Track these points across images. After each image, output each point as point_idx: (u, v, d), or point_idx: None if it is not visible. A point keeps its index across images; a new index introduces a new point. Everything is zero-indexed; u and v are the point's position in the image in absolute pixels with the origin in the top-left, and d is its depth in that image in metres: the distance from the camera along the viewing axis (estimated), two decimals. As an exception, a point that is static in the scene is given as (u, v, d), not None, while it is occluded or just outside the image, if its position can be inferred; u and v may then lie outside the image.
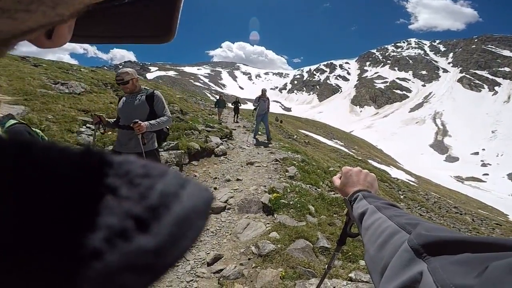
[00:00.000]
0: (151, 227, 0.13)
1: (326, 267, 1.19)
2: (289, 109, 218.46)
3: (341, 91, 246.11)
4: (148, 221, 0.13)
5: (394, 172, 31.27)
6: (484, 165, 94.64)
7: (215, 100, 17.24)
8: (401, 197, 16.38)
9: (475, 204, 30.65)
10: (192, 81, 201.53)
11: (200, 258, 3.29)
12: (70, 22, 0.20)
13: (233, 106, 16.38)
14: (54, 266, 0.12)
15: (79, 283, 0.11)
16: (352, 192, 0.75)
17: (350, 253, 3.59)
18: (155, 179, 0.15)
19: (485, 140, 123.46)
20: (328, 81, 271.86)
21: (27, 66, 9.87)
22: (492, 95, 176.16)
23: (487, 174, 79.58)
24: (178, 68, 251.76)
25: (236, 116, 16.19)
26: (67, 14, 0.17)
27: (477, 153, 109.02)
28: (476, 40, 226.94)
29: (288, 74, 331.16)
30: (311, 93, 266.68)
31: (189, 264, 3.17)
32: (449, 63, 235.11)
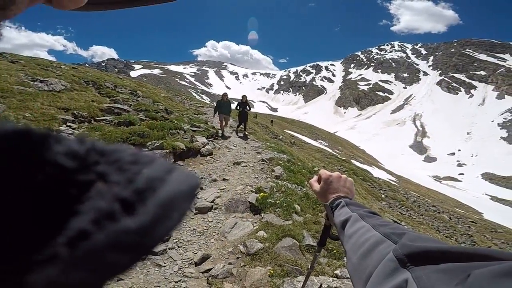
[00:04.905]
0: (137, 209, 0.14)
1: (309, 267, 1.22)
2: (275, 110, 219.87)
3: (326, 93, 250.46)
4: (134, 204, 0.14)
5: (375, 172, 32.17)
6: (460, 165, 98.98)
7: (216, 103, 10.49)
8: (383, 196, 16.87)
9: (451, 203, 31.99)
10: (178, 80, 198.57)
11: (188, 258, 3.27)
12: None
13: (238, 110, 10.50)
14: (42, 246, 0.12)
15: (67, 262, 0.12)
16: (333, 198, 0.75)
17: (335, 251, 3.67)
18: (142, 166, 0.16)
19: (461, 141, 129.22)
20: (314, 82, 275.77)
21: (3, 62, 9.40)
22: (468, 98, 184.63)
23: (463, 174, 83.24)
24: (163, 66, 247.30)
25: (242, 127, 10.51)
26: None
27: (453, 154, 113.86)
28: (455, 44, 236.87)
29: (275, 74, 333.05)
30: (297, 94, 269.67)
31: (177, 264, 3.14)
32: (429, 66, 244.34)
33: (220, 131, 9.96)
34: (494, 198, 51.90)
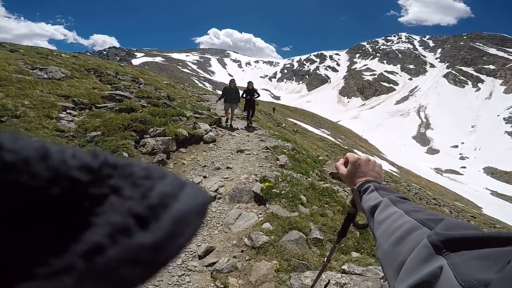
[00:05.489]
0: (150, 225, 0.14)
1: (325, 260, 1.13)
2: (278, 98, 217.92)
3: (330, 82, 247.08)
4: (148, 219, 0.15)
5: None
6: (462, 158, 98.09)
7: (222, 90, 9.50)
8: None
9: (452, 196, 31.90)
10: (180, 67, 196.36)
11: (191, 251, 3.16)
12: None
13: (245, 98, 9.67)
14: (58, 261, 0.13)
15: (83, 273, 0.13)
16: (361, 182, 0.72)
17: (342, 245, 3.54)
18: (155, 181, 0.16)
19: (465, 134, 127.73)
20: (317, 71, 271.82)
21: (2, 52, 9.22)
22: (475, 91, 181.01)
23: (465, 167, 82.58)
24: (165, 54, 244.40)
25: (248, 116, 9.78)
26: None
27: (456, 146, 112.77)
28: (465, 37, 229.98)
29: (278, 63, 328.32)
30: (301, 82, 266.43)
31: (180, 257, 3.03)
32: (436, 58, 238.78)
33: (226, 123, 9.19)
34: (494, 193, 51.60)
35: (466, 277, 0.30)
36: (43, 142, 0.16)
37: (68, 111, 6.27)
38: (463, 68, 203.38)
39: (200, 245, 3.27)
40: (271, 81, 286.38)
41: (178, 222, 0.15)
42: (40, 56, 9.83)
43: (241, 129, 9.08)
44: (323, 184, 5.60)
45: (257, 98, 10.10)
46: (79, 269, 0.13)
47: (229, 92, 9.11)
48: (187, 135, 6.40)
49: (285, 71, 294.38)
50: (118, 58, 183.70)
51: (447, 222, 0.43)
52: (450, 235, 0.37)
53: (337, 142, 30.31)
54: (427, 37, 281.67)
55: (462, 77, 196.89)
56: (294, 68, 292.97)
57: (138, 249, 0.14)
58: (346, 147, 27.43)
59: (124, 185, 0.16)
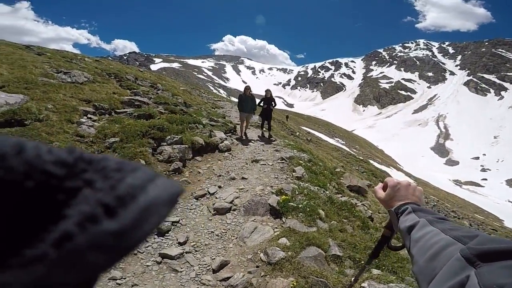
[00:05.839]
0: (117, 213, 0.16)
1: (352, 280, 1.17)
2: (291, 105, 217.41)
3: (345, 90, 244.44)
4: (116, 208, 0.16)
5: (394, 173, 31.12)
6: (483, 170, 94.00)
7: (238, 98, 8.94)
8: (403, 199, 16.18)
9: (471, 208, 30.58)
10: (196, 73, 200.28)
11: (205, 264, 3.10)
12: None
13: (261, 107, 9.08)
14: (31, 251, 0.14)
15: (53, 260, 0.14)
16: (399, 204, 0.73)
17: (362, 262, 3.39)
18: (126, 174, 0.18)
19: (487, 145, 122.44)
20: (332, 79, 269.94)
21: (30, 54, 9.62)
22: (498, 99, 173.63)
23: (486, 179, 79.09)
24: (182, 60, 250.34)
25: (263, 125, 9.35)
26: None
27: (477, 158, 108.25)
28: (486, 44, 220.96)
29: (292, 70, 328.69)
30: (315, 90, 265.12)
31: (194, 270, 2.97)
32: (456, 65, 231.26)
33: (241, 132, 8.63)
34: (517, 206, 48.98)
35: (488, 282, 0.33)
36: (19, 138, 0.17)
37: (89, 115, 6.42)
38: (485, 76, 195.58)
39: (214, 259, 3.20)
40: (284, 88, 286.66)
41: (143, 211, 0.16)
42: (65, 60, 10.20)
43: (256, 139, 8.81)
44: (341, 197, 5.43)
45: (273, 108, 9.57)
46: (50, 257, 0.14)
47: (245, 101, 8.58)
48: (203, 143, 6.40)
49: (299, 78, 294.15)
50: (138, 63, 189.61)
51: (481, 237, 0.45)
52: (482, 249, 0.39)
53: (352, 152, 29.74)
54: (447, 43, 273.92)
55: (484, 85, 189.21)
56: (308, 75, 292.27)
57: (103, 235, 0.15)
58: (361, 158, 26.84)
59: (96, 178, 0.17)
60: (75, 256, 0.14)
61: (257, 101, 8.98)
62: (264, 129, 9.40)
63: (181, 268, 3.00)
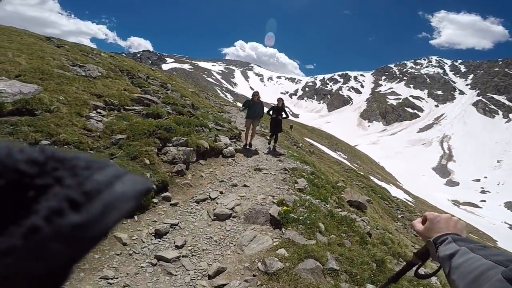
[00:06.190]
0: (82, 207, 0.17)
1: None
2: (296, 116, 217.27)
3: (352, 103, 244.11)
4: (81, 203, 0.17)
5: (393, 191, 30.93)
6: (483, 192, 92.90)
7: (244, 103, 8.61)
8: (399, 216, 16.01)
9: (466, 228, 30.29)
10: (205, 76, 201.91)
11: (201, 269, 3.10)
12: None
13: (270, 116, 8.58)
14: (0, 244, 0.15)
15: (21, 252, 0.15)
16: (439, 235, 0.74)
17: (357, 276, 3.38)
18: (94, 171, 0.19)
19: (489, 168, 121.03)
20: (340, 91, 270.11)
21: (50, 46, 9.85)
22: (505, 122, 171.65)
23: (484, 201, 78.36)
24: (193, 62, 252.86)
25: (272, 137, 8.67)
26: None
27: (478, 180, 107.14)
28: (500, 63, 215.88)
29: (301, 80, 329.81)
30: (321, 102, 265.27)
31: (189, 274, 2.97)
32: (467, 84, 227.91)
33: (245, 140, 8.23)
34: (513, 227, 48.45)
35: None
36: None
37: (98, 110, 6.50)
38: (495, 96, 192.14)
39: (211, 264, 3.19)
40: (291, 98, 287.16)
41: (107, 206, 0.17)
42: (82, 54, 10.39)
43: (259, 143, 8.84)
44: (341, 211, 5.41)
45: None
46: (18, 249, 0.14)
47: (253, 106, 8.11)
48: (208, 147, 6.44)
49: (307, 89, 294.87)
50: (150, 61, 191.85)
51: None
52: None
53: (353, 167, 29.61)
54: (459, 61, 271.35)
55: (492, 106, 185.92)
56: (316, 86, 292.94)
57: (67, 227, 0.16)
58: (362, 173, 26.70)
59: (66, 175, 0.18)
60: (41, 247, 0.15)
61: (266, 109, 8.53)
62: (273, 141, 8.69)
63: (176, 272, 3.00)
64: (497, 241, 30.81)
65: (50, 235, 0.15)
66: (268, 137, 8.66)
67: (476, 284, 0.47)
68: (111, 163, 0.20)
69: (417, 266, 0.90)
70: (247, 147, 8.11)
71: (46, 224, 0.15)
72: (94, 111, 6.40)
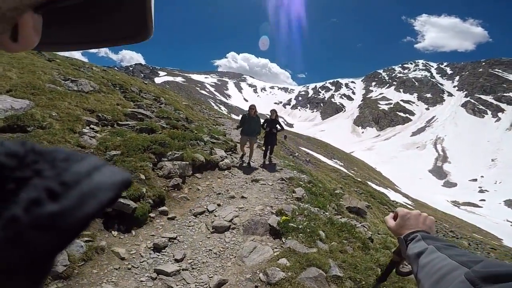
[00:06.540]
0: (60, 197, 0.17)
1: None
2: (291, 125, 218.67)
3: (345, 111, 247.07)
4: (59, 193, 0.17)
5: (392, 195, 31.06)
6: (481, 191, 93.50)
7: (240, 118, 8.03)
8: (400, 221, 16.02)
9: (470, 228, 30.46)
10: (198, 89, 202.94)
11: (202, 282, 3.03)
12: (34, 22, 0.22)
13: (264, 130, 8.10)
14: None
15: (1, 243, 0.15)
16: (409, 232, 0.75)
17: (363, 283, 3.34)
18: (72, 163, 0.19)
19: (485, 167, 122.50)
20: (332, 99, 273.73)
21: (41, 60, 9.76)
22: (495, 121, 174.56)
23: (484, 200, 78.72)
24: (186, 75, 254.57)
25: (266, 153, 8.21)
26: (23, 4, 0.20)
27: (475, 180, 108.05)
28: (483, 64, 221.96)
29: (294, 89, 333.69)
30: (315, 110, 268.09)
31: (190, 287, 2.90)
32: (454, 86, 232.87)
33: (242, 159, 7.76)
34: (516, 225, 48.54)
35: None
36: None
37: (92, 126, 6.43)
38: (482, 97, 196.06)
39: (212, 277, 3.13)
40: (285, 108, 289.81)
41: (85, 195, 0.17)
42: (74, 68, 10.31)
43: (256, 159, 8.52)
44: (341, 218, 5.39)
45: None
46: None
47: (249, 121, 7.52)
48: (204, 160, 6.40)
49: (300, 98, 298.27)
50: (142, 75, 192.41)
51: (486, 262, 0.47)
52: (486, 272, 0.42)
53: (350, 174, 29.71)
54: (445, 64, 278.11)
55: (481, 106, 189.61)
56: (309, 95, 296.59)
57: (44, 216, 0.16)
58: (359, 179, 26.80)
59: (45, 167, 0.18)
60: (18, 236, 0.15)
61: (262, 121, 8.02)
62: (268, 157, 8.25)
63: (177, 285, 2.93)
64: (502, 239, 30.73)
65: (28, 223, 0.15)
66: (264, 148, 8.37)
67: (440, 285, 0.49)
68: (91, 155, 0.20)
69: (397, 264, 0.91)
70: (246, 165, 7.61)
71: (25, 214, 0.16)
72: (87, 127, 6.34)
